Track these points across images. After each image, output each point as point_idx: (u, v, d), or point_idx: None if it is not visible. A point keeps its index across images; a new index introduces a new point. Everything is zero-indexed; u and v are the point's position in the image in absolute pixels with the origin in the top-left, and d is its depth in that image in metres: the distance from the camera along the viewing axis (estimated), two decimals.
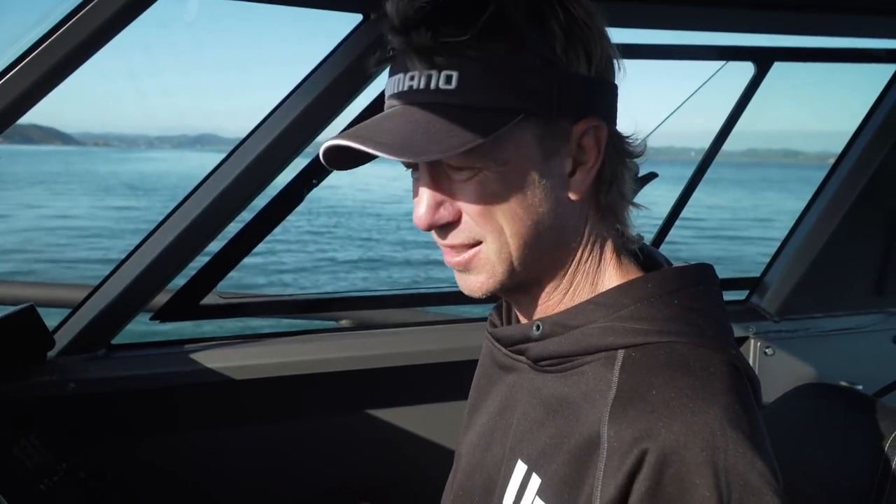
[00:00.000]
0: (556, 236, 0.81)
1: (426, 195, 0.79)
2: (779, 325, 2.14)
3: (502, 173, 0.76)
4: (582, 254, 0.83)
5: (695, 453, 0.67)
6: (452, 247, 0.81)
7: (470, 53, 0.72)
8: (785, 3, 1.71)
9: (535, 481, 0.79)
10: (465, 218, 0.79)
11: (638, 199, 0.87)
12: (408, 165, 0.82)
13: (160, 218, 1.61)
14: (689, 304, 0.79)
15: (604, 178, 0.81)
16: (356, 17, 1.52)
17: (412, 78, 0.75)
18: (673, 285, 0.80)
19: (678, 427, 0.68)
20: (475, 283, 0.82)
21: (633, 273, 0.84)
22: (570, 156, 0.78)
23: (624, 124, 0.84)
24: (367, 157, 0.79)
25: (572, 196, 0.79)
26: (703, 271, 0.84)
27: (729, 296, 2.35)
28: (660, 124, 1.88)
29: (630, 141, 0.83)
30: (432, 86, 0.73)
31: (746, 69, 1.99)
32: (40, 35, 1.18)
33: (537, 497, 0.79)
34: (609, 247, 0.85)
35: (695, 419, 0.68)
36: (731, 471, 0.67)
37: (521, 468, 0.82)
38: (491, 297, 0.87)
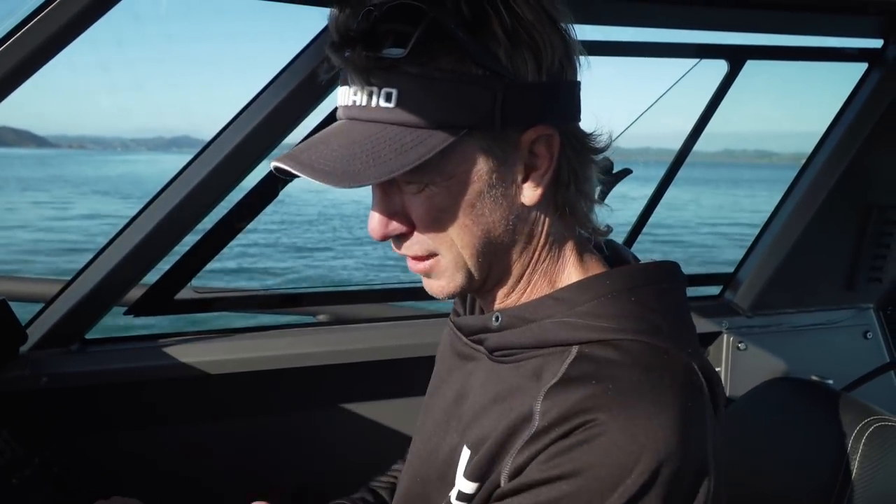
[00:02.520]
0: (510, 241, 0.81)
1: (378, 208, 0.79)
2: (751, 321, 2.17)
3: (449, 187, 0.75)
4: (539, 254, 0.83)
5: (616, 436, 0.67)
6: (412, 256, 0.82)
7: (409, 70, 0.70)
8: (758, 2, 1.73)
9: (472, 463, 0.80)
10: (417, 229, 0.79)
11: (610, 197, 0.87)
12: None
13: None
14: (647, 301, 0.79)
15: (561, 179, 0.80)
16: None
17: (355, 93, 0.74)
18: (633, 282, 0.80)
19: (612, 412, 0.69)
20: (437, 286, 0.84)
21: (596, 269, 0.84)
22: (522, 163, 0.77)
23: (591, 122, 0.83)
24: None
25: (525, 202, 0.78)
26: (666, 269, 0.84)
27: (702, 291, 2.37)
28: (631, 124, 1.90)
29: (593, 137, 0.81)
30: (373, 103, 0.72)
31: (720, 69, 2.01)
32: (11, 27, 1.17)
33: (463, 478, 0.80)
34: (569, 245, 0.85)
35: (631, 410, 0.69)
36: (644, 464, 0.67)
37: (465, 453, 0.82)
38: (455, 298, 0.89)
